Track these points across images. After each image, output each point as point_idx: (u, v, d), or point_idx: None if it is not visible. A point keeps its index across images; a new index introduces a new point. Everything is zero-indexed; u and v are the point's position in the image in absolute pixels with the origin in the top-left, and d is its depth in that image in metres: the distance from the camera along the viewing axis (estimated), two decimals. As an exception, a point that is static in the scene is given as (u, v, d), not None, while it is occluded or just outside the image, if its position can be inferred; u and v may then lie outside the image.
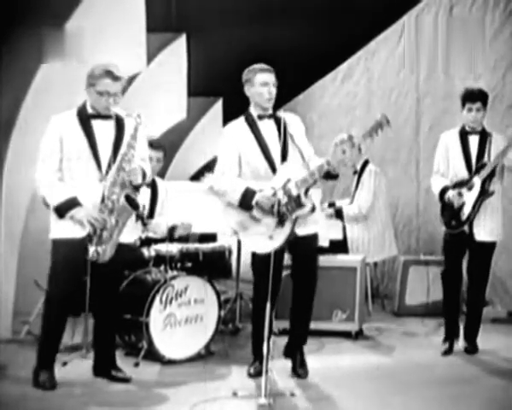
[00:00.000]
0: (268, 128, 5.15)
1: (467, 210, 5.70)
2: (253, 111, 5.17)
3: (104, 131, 4.89)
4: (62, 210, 4.80)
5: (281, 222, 5.02)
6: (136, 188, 4.92)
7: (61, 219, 4.82)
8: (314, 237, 5.22)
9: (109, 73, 4.82)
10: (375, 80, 8.59)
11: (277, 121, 5.16)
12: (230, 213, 5.12)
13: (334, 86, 8.78)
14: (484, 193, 5.69)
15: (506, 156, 5.66)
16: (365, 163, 7.36)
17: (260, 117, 5.16)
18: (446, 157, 5.88)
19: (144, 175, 4.94)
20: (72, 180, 4.84)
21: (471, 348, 5.84)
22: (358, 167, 7.33)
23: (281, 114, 5.20)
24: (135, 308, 5.44)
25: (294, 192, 4.99)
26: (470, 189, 5.71)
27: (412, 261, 7.43)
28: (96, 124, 4.89)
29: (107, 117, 4.90)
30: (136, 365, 5.36)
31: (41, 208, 5.39)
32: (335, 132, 7.42)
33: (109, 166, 4.84)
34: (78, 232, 4.80)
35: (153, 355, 5.44)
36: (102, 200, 4.80)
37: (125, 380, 5.00)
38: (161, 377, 5.22)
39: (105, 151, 4.86)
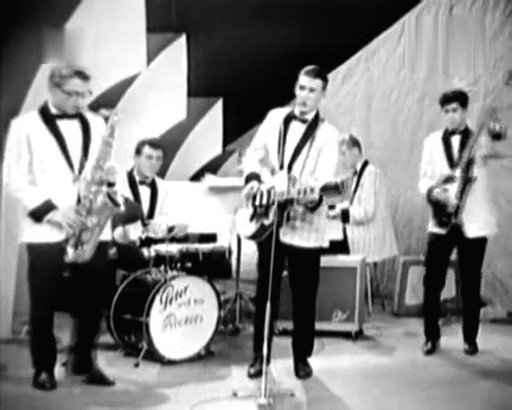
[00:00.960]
0: (294, 131, 5.14)
1: (452, 201, 5.68)
2: (294, 109, 5.19)
3: (71, 130, 4.78)
4: (39, 214, 4.70)
5: (251, 218, 5.11)
6: (112, 185, 4.81)
7: (37, 222, 4.73)
8: (305, 251, 5.13)
9: (79, 73, 4.72)
10: (375, 80, 8.58)
11: (309, 128, 5.13)
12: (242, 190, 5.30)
13: (334, 86, 8.75)
14: (466, 180, 5.66)
15: (481, 143, 5.61)
16: (365, 164, 7.35)
17: (293, 117, 5.16)
18: (431, 160, 5.90)
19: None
20: (46, 182, 4.72)
21: (471, 350, 5.83)
22: (358, 168, 7.32)
23: (323, 125, 5.13)
24: (135, 308, 5.45)
25: (268, 201, 5.00)
26: (453, 181, 5.70)
27: (412, 261, 7.42)
28: (62, 124, 4.78)
29: (71, 116, 4.80)
30: (136, 365, 5.36)
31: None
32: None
33: (82, 166, 4.75)
34: (55, 236, 4.72)
35: (153, 356, 5.44)
36: (78, 200, 4.72)
37: (108, 382, 4.93)
38: (161, 377, 5.22)
39: (75, 151, 4.77)
